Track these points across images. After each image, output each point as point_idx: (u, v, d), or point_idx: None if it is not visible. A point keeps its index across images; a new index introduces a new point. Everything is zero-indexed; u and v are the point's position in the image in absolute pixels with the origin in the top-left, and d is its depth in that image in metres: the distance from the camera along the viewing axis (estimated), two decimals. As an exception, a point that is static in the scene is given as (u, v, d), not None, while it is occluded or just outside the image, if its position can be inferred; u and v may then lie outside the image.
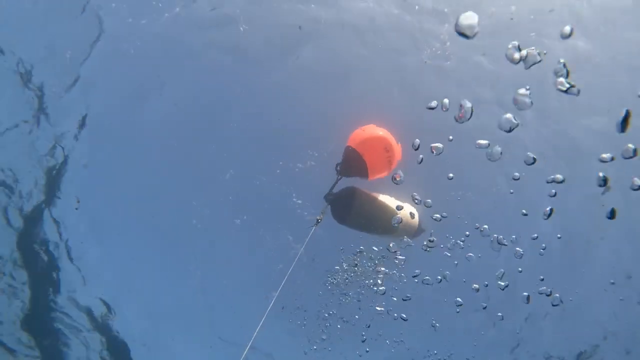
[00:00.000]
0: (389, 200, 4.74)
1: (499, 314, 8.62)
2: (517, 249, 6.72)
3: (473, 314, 8.57)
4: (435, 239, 5.74)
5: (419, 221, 4.94)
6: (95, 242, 8.96)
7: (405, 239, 5.36)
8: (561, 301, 8.05)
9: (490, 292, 7.85)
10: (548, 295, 7.58)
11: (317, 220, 4.27)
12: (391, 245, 5.81)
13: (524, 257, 7.04)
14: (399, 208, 4.68)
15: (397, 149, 4.39)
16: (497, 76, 6.83)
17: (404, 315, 7.77)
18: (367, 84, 7.54)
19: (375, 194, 4.71)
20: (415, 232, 5.08)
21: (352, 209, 4.53)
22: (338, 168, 4.41)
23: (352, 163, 4.30)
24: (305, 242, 3.83)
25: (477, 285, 7.05)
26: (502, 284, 6.94)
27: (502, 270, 6.60)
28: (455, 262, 6.74)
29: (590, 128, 6.85)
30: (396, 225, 4.58)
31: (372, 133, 4.37)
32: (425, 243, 5.77)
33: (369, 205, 4.62)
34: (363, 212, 4.59)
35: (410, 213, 4.82)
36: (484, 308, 8.30)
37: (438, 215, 5.26)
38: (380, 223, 4.62)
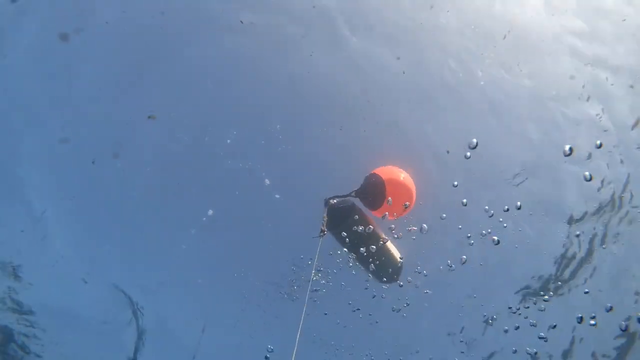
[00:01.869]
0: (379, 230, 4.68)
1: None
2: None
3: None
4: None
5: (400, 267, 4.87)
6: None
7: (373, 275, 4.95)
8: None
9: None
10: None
11: (322, 230, 4.13)
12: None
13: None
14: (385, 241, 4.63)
15: (408, 209, 4.40)
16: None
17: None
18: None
19: (370, 218, 4.65)
20: (393, 274, 4.89)
21: (346, 221, 4.42)
22: (354, 192, 4.37)
23: (373, 193, 4.29)
24: (316, 253, 3.79)
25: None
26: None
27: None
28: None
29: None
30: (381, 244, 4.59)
31: (408, 182, 4.37)
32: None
33: (363, 224, 4.49)
34: (354, 228, 4.47)
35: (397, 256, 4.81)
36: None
37: None
38: (365, 244, 4.54)
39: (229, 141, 7.94)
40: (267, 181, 8.35)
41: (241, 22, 6.64)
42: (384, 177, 4.31)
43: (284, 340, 7.93)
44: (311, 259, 3.98)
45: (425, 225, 5.08)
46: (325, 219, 4.19)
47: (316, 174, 8.21)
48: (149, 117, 6.25)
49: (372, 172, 4.48)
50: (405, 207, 4.36)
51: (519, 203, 6.29)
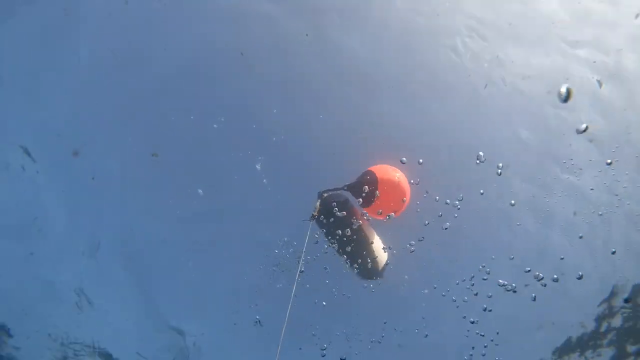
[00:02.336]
0: (369, 229, 4.87)
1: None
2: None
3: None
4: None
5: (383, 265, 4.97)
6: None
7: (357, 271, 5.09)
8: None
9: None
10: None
11: (313, 215, 4.44)
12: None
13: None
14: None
15: (397, 214, 4.50)
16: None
17: None
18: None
19: (361, 215, 4.83)
20: (376, 269, 4.96)
21: (332, 215, 4.59)
22: (346, 186, 4.51)
23: (366, 189, 4.34)
24: (306, 237, 4.13)
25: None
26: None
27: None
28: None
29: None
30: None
31: (402, 184, 4.39)
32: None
33: (352, 220, 4.69)
34: (343, 223, 4.65)
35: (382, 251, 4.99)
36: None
37: None
38: (350, 239, 4.68)
39: (215, 126, 8.21)
40: (257, 167, 8.68)
41: (241, 54, 6.74)
42: (378, 175, 4.37)
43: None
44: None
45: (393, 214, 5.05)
46: (318, 208, 4.55)
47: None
48: (152, 155, 6.51)
49: (369, 169, 4.58)
50: (393, 212, 4.51)
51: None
